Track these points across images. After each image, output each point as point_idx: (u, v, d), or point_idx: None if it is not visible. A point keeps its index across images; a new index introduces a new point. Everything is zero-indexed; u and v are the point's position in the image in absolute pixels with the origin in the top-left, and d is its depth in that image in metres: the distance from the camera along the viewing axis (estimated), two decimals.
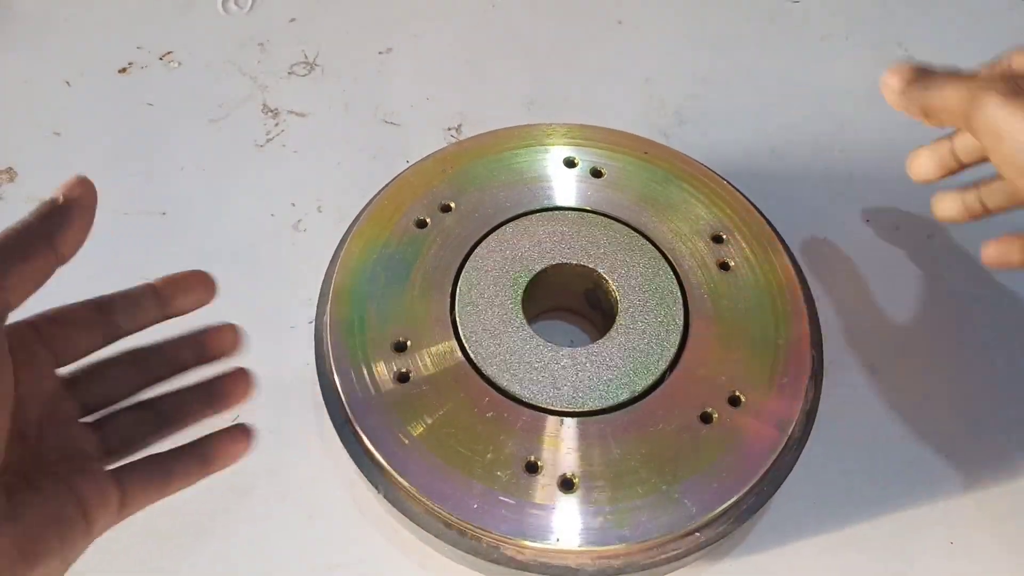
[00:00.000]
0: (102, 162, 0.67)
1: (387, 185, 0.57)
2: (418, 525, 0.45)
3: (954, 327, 0.61)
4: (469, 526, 0.44)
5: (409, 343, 0.50)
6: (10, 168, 0.67)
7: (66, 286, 0.61)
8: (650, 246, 0.54)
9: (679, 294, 0.52)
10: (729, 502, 0.45)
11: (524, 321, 0.51)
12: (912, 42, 0.76)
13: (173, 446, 0.40)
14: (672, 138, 0.69)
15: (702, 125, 0.70)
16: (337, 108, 0.71)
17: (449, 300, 0.51)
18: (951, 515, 0.53)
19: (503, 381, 0.48)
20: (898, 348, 0.59)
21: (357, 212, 0.57)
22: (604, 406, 0.48)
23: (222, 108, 0.70)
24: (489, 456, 0.46)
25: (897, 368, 0.59)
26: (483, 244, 0.53)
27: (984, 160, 0.53)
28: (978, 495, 0.54)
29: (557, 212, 0.55)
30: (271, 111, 0.70)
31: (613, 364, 0.49)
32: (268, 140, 0.69)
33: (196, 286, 0.40)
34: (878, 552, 0.52)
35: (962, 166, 0.55)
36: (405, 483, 0.45)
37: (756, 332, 0.50)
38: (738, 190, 0.57)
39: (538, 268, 0.53)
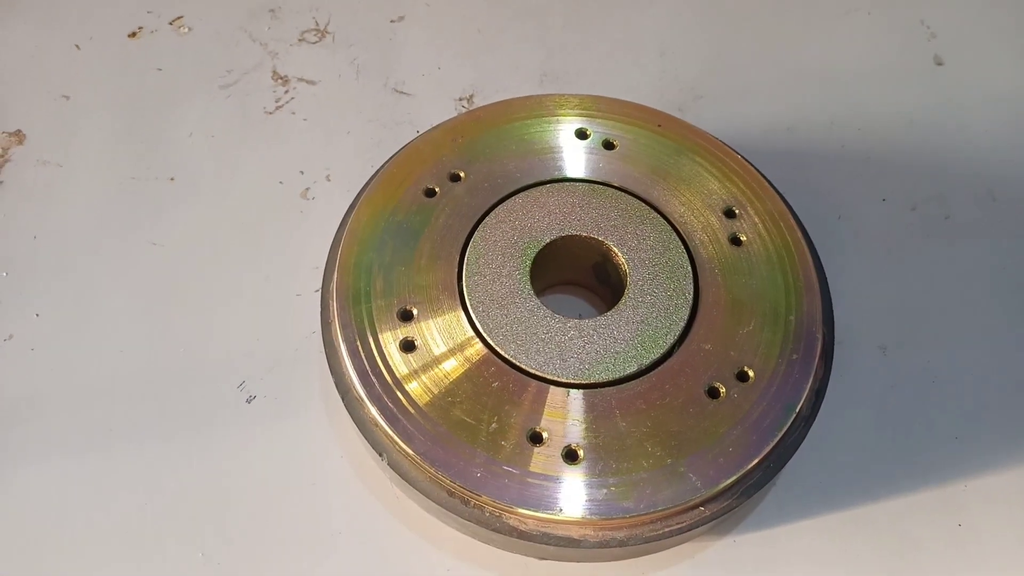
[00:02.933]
0: (111, 126, 0.67)
1: (396, 153, 0.56)
2: (421, 493, 0.45)
3: (967, 310, 0.60)
4: (472, 495, 0.44)
5: (416, 312, 0.49)
6: (19, 131, 0.66)
7: (75, 249, 0.61)
8: (661, 219, 0.53)
9: (689, 268, 0.51)
10: (734, 477, 0.44)
11: (532, 292, 0.50)
12: (935, 20, 0.74)
13: None
14: (687, 113, 0.68)
15: (718, 100, 0.69)
16: (348, 76, 0.70)
17: (457, 270, 0.51)
18: (959, 497, 0.53)
19: (509, 351, 0.48)
20: (909, 329, 0.59)
21: (366, 180, 0.56)
22: (611, 378, 0.47)
23: (231, 74, 0.70)
24: (493, 426, 0.45)
25: (908, 349, 0.58)
26: (492, 214, 0.53)
27: None
28: (987, 478, 0.54)
29: (568, 184, 0.54)
30: (281, 78, 0.70)
31: (621, 337, 0.49)
32: (278, 107, 0.68)
33: None
34: (884, 533, 0.51)
35: None
36: (409, 451, 0.45)
37: (767, 308, 0.50)
38: (752, 165, 0.56)
39: (547, 239, 0.52)
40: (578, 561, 0.50)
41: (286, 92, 0.69)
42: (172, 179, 0.64)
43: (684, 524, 0.44)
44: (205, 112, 0.68)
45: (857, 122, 0.69)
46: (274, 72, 0.70)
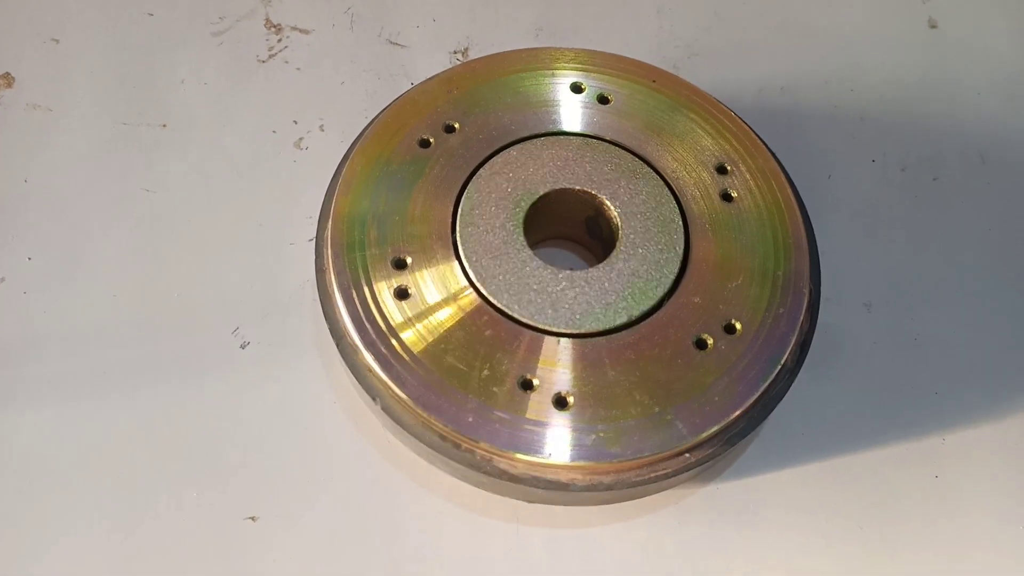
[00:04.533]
0: (101, 71, 0.66)
1: (391, 104, 0.56)
2: (413, 437, 0.46)
3: (952, 270, 0.61)
4: (464, 439, 0.45)
5: (409, 261, 0.50)
6: (7, 73, 0.66)
7: (67, 193, 0.61)
8: (654, 174, 0.53)
9: (680, 222, 0.52)
10: (719, 425, 0.45)
11: (525, 243, 0.51)
12: None
13: None
14: (682, 70, 0.68)
15: (713, 59, 0.69)
16: (342, 26, 0.69)
17: (451, 220, 0.51)
18: (937, 450, 0.54)
19: (502, 301, 0.48)
20: (894, 288, 0.60)
21: (360, 131, 0.56)
22: (601, 329, 0.48)
23: (224, 21, 0.69)
24: (485, 373, 0.46)
25: (892, 307, 0.59)
26: (486, 166, 0.53)
27: None
28: (964, 433, 0.55)
29: (562, 137, 0.54)
30: (274, 26, 0.69)
31: (612, 288, 0.49)
32: (271, 56, 0.68)
33: None
34: (863, 483, 0.53)
35: None
36: (402, 395, 0.46)
37: (756, 263, 0.50)
38: (745, 123, 0.56)
39: (541, 192, 0.52)
40: (566, 504, 0.51)
41: (279, 41, 0.68)
42: (164, 125, 0.64)
43: (669, 470, 0.46)
44: (197, 59, 0.67)
45: (850, 83, 0.69)
46: (267, 20, 0.69)
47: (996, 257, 0.62)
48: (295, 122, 0.64)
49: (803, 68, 0.70)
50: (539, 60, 0.57)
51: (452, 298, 0.49)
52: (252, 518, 0.51)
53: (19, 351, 0.56)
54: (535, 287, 0.49)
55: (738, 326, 0.48)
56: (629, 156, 0.54)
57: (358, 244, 0.50)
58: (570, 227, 0.57)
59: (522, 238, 0.51)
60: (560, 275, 0.50)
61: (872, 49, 0.71)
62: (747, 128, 0.56)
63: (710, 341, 0.48)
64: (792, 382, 0.48)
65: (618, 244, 0.51)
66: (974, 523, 0.53)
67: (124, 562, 0.50)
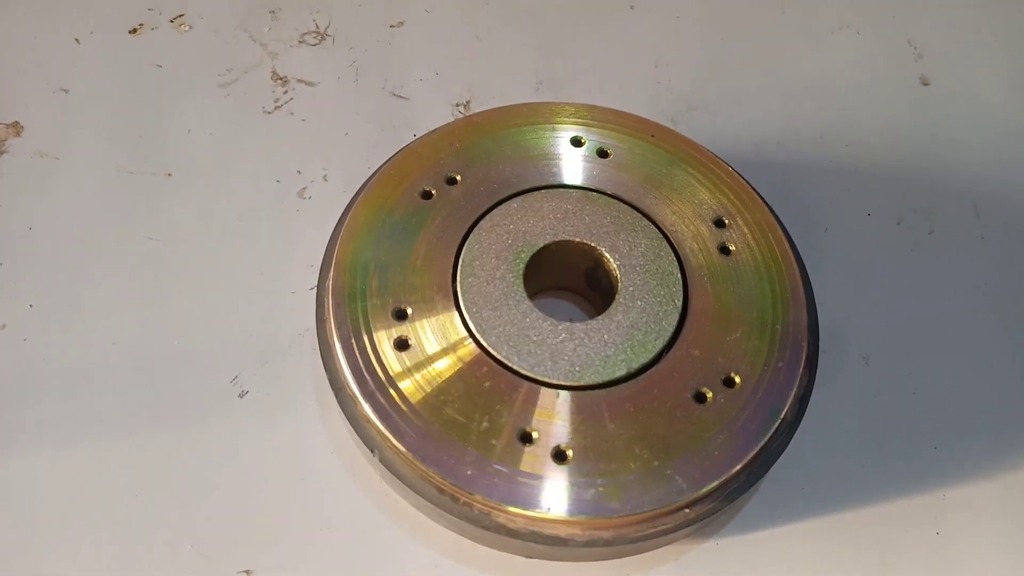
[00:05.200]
0: (109, 120, 0.67)
1: (394, 156, 0.57)
2: (411, 489, 0.46)
3: (949, 322, 0.61)
4: (462, 492, 0.45)
5: (410, 311, 0.50)
6: (16, 122, 0.67)
7: (71, 241, 0.62)
8: (653, 227, 0.54)
9: (679, 275, 0.52)
10: (719, 480, 0.45)
11: (525, 295, 0.51)
12: (921, 40, 0.76)
13: None
14: (680, 124, 0.70)
15: (710, 112, 0.71)
16: (346, 79, 0.71)
17: (451, 271, 0.51)
18: (938, 506, 0.54)
19: (501, 352, 0.49)
20: (892, 340, 0.60)
21: (363, 181, 0.57)
22: (600, 381, 0.48)
23: (231, 73, 0.70)
24: (484, 425, 0.46)
25: (890, 360, 0.59)
26: (487, 218, 0.54)
27: None
28: (965, 488, 0.55)
29: (562, 190, 0.55)
30: (280, 79, 0.70)
31: (611, 340, 0.49)
32: (276, 107, 0.69)
33: None
34: (864, 539, 0.53)
35: None
36: (400, 447, 0.45)
37: (754, 316, 0.51)
38: (742, 177, 0.57)
39: (541, 244, 0.53)
40: (565, 560, 0.50)
41: (285, 92, 0.69)
42: (169, 175, 0.65)
43: (669, 526, 0.45)
44: (204, 109, 0.68)
45: (845, 137, 0.70)
46: (273, 72, 0.70)
47: (993, 309, 0.62)
48: (299, 172, 0.65)
49: (799, 123, 0.71)
50: (540, 114, 0.58)
51: (452, 348, 0.49)
52: (247, 572, 0.50)
53: (18, 397, 0.56)
54: (535, 338, 0.49)
55: (737, 380, 0.48)
56: (628, 209, 0.55)
57: (359, 294, 0.50)
58: (570, 278, 0.58)
59: (522, 289, 0.51)
60: (560, 327, 0.50)
61: (866, 105, 0.72)
62: (744, 182, 0.57)
63: (709, 395, 0.48)
64: (792, 436, 0.48)
65: (617, 296, 0.51)
66: None
67: None
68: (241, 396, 0.56)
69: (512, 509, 0.44)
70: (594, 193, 0.55)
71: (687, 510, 0.45)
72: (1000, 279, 0.63)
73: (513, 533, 0.45)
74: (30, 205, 0.63)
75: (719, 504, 0.46)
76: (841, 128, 0.71)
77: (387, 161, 0.57)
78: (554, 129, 0.58)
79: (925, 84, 0.73)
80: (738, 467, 0.46)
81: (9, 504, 0.52)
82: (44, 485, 0.53)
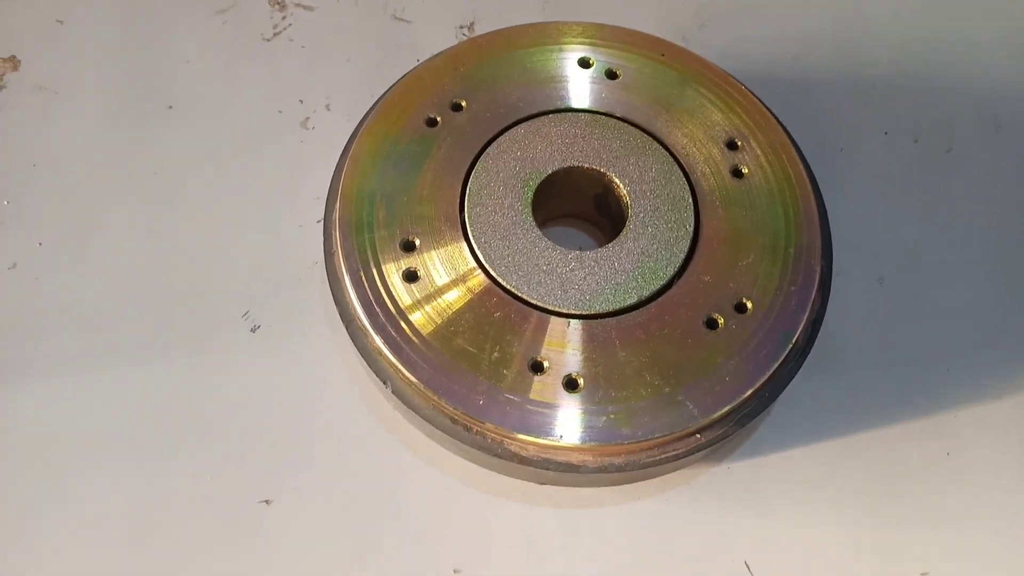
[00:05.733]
0: (106, 52, 0.66)
1: (397, 82, 0.56)
2: (424, 420, 0.46)
3: (964, 243, 0.60)
4: (475, 421, 0.45)
5: (418, 243, 0.49)
6: (13, 56, 0.65)
7: (75, 177, 0.61)
8: (663, 151, 0.53)
9: (690, 200, 0.51)
10: (730, 406, 0.45)
11: (533, 223, 0.50)
12: None
13: None
14: (691, 41, 0.67)
15: (723, 28, 0.68)
16: (346, 2, 0.68)
17: (459, 200, 0.51)
18: (949, 426, 0.54)
19: (511, 282, 0.48)
20: (907, 261, 0.59)
21: (366, 110, 0.56)
22: (611, 309, 0.48)
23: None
24: (495, 355, 0.46)
25: (904, 281, 0.58)
26: (494, 144, 0.53)
27: None
28: (975, 409, 0.55)
29: (570, 114, 0.54)
30: (278, 4, 0.68)
31: (621, 268, 0.49)
32: (275, 34, 0.67)
33: None
34: (874, 460, 0.53)
35: None
36: (413, 379, 0.46)
37: (766, 240, 0.50)
38: (756, 96, 0.55)
39: (549, 170, 0.52)
40: (578, 486, 0.51)
41: (283, 18, 0.67)
42: (170, 107, 0.64)
43: (680, 451, 0.46)
44: (202, 38, 0.66)
45: (862, 51, 0.68)
46: None
47: (1012, 228, 0.61)
48: (301, 101, 0.64)
49: (814, 35, 0.68)
50: (546, 35, 0.57)
51: (461, 279, 0.49)
52: (267, 501, 0.52)
53: (33, 334, 0.56)
54: (544, 268, 0.49)
55: (749, 305, 0.48)
56: (638, 133, 0.53)
57: (366, 225, 0.50)
58: (579, 205, 0.57)
59: (531, 218, 0.51)
60: (569, 255, 0.49)
61: (884, 14, 0.69)
62: (757, 102, 0.55)
63: (721, 320, 0.47)
64: (803, 361, 0.48)
65: (628, 222, 0.51)
66: (986, 498, 0.53)
67: (139, 540, 0.51)
68: (253, 331, 0.56)
69: (524, 437, 0.45)
70: (603, 116, 0.54)
71: (698, 435, 0.46)
72: (1021, 195, 0.62)
73: (526, 461, 0.45)
74: (32, 141, 0.62)
75: (730, 429, 0.46)
76: (858, 39, 0.68)
77: (390, 88, 0.55)
78: (561, 50, 0.56)
79: None
80: (749, 392, 0.46)
81: (27, 439, 0.53)
82: (61, 420, 0.54)
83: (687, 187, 0.51)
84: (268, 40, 0.67)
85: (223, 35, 0.67)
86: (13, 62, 0.65)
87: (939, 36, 0.68)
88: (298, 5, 0.68)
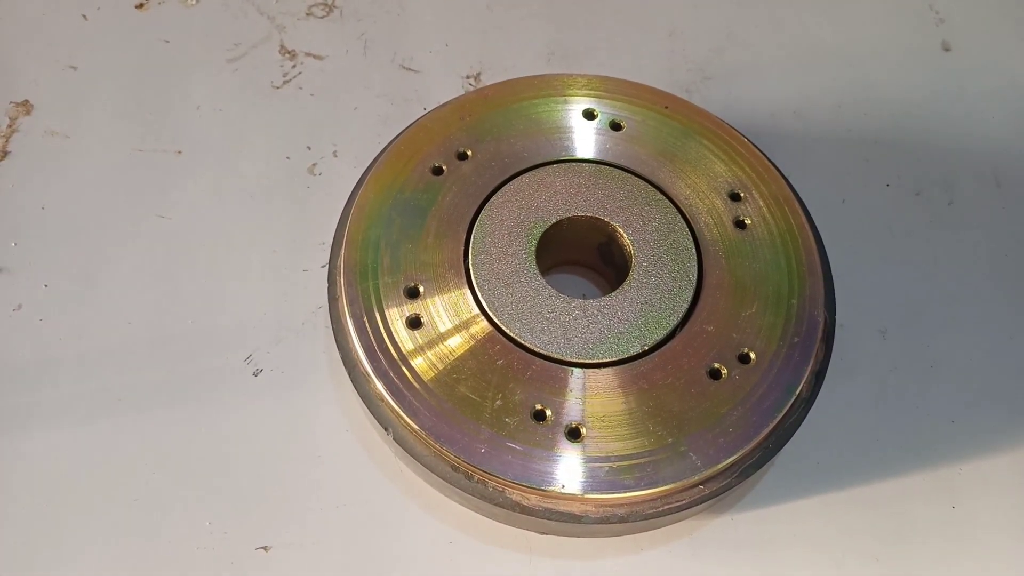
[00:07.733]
0: (118, 98, 0.67)
1: (404, 131, 0.56)
2: (425, 467, 0.46)
3: (967, 295, 0.60)
4: (476, 470, 0.45)
5: (422, 289, 0.50)
6: (26, 100, 0.66)
7: (83, 220, 0.62)
8: (667, 201, 0.53)
9: (694, 250, 0.51)
10: (734, 457, 0.45)
11: (537, 271, 0.51)
12: (943, 5, 0.74)
13: None
14: (695, 94, 0.68)
15: (726, 82, 0.69)
16: (355, 52, 0.70)
17: (463, 248, 0.51)
18: (954, 480, 0.54)
19: (514, 330, 0.48)
20: (910, 314, 0.59)
21: (373, 157, 0.56)
22: (614, 358, 0.48)
23: (239, 48, 0.69)
24: (498, 403, 0.46)
25: (908, 334, 0.58)
26: (499, 193, 0.53)
27: None
28: (981, 462, 0.54)
29: (574, 164, 0.55)
30: (288, 52, 0.69)
31: (625, 317, 0.49)
32: (285, 82, 0.68)
33: None
34: (879, 514, 0.52)
35: None
36: (414, 426, 0.45)
37: (770, 291, 0.50)
38: (758, 148, 0.56)
39: (553, 219, 0.52)
40: (579, 536, 0.51)
41: (293, 67, 0.69)
42: (179, 152, 0.65)
43: (683, 502, 0.45)
44: (212, 85, 0.68)
45: (864, 106, 0.69)
46: (281, 46, 0.70)
47: (1013, 281, 0.61)
48: (308, 148, 0.65)
49: (816, 91, 0.69)
50: (551, 86, 0.58)
51: (464, 326, 0.49)
52: (264, 548, 0.51)
53: (35, 377, 0.56)
54: (548, 315, 0.49)
55: (752, 355, 0.48)
56: (642, 183, 0.54)
57: (371, 271, 0.50)
58: (583, 253, 0.57)
59: (535, 266, 0.51)
60: (573, 303, 0.50)
61: (885, 72, 0.70)
62: (760, 154, 0.56)
63: (724, 371, 0.47)
64: (807, 412, 0.48)
65: (631, 272, 0.51)
66: (992, 553, 0.52)
67: None
68: (255, 375, 0.56)
69: (526, 487, 0.44)
70: (607, 167, 0.54)
71: (701, 486, 0.45)
72: (1020, 250, 0.62)
73: (527, 510, 0.45)
74: (42, 184, 0.63)
75: (733, 480, 0.46)
76: (860, 96, 0.69)
77: (397, 136, 0.56)
78: (566, 101, 0.57)
79: (947, 50, 0.72)
80: (753, 444, 0.45)
81: (28, 483, 0.53)
82: (62, 464, 0.53)
83: (690, 237, 0.52)
84: (278, 88, 0.68)
85: (233, 82, 0.68)
86: (26, 106, 0.66)
87: (939, 96, 0.70)
88: (308, 54, 0.69)
